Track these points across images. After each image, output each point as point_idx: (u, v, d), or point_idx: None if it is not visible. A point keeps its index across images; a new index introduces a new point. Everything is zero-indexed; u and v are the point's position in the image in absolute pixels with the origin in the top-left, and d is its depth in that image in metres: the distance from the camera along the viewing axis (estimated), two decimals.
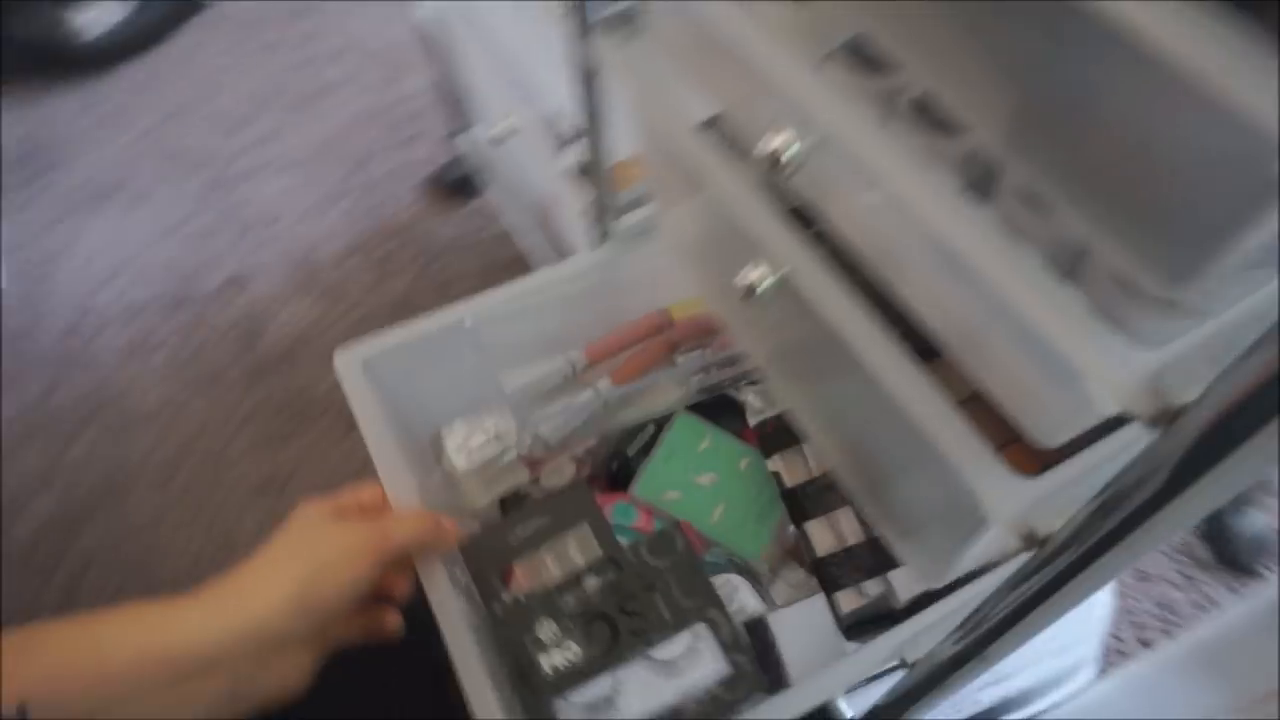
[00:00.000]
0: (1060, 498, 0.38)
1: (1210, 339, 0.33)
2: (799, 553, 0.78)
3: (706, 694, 0.67)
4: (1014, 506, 0.42)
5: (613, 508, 0.81)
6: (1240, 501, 1.16)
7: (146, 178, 1.60)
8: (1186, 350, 0.34)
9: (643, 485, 0.81)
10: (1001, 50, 0.37)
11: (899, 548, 0.63)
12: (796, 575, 0.78)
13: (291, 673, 0.55)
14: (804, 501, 0.75)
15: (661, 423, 0.83)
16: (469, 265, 1.49)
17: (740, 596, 0.74)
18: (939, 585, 0.62)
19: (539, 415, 0.78)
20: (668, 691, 0.68)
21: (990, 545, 0.55)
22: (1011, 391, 0.45)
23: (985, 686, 0.93)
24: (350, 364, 0.76)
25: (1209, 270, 0.32)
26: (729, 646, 0.69)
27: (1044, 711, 0.94)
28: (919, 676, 0.57)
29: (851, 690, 0.85)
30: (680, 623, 0.69)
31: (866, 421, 0.60)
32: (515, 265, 1.43)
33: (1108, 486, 0.32)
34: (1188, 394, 0.29)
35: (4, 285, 1.46)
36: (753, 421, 0.79)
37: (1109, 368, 0.34)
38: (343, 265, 1.48)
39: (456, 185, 1.54)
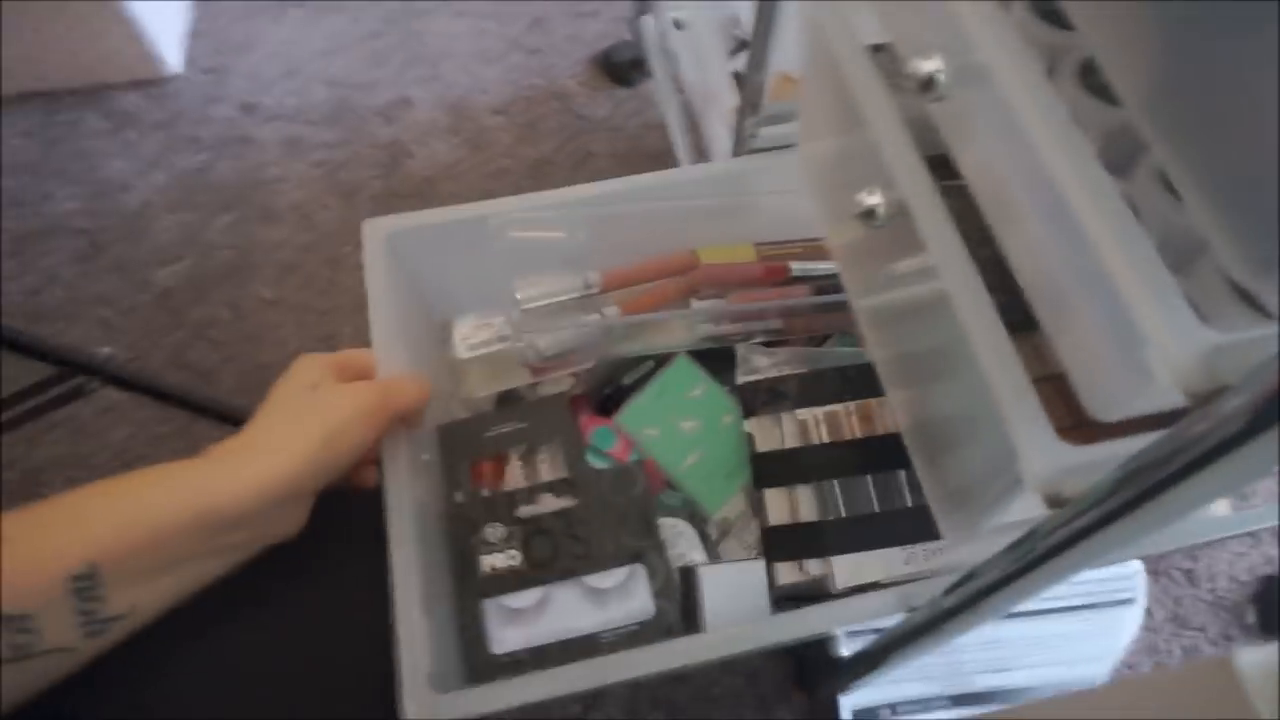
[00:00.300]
0: (1096, 474, 0.39)
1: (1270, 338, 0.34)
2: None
3: (625, 629, 0.71)
4: (1049, 466, 0.44)
5: (595, 430, 0.83)
6: None
7: None
8: (1247, 342, 0.35)
9: (627, 415, 0.83)
10: (1163, 20, 0.37)
11: (936, 504, 0.64)
12: (750, 538, 0.79)
13: (296, 519, 0.59)
14: (769, 469, 0.76)
15: (662, 361, 0.85)
16: (614, 147, 1.50)
17: (683, 543, 0.77)
18: (961, 543, 0.63)
19: (541, 326, 0.79)
20: (592, 618, 0.72)
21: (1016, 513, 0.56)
22: (1081, 358, 0.46)
23: (983, 672, 0.94)
24: (376, 234, 0.79)
25: None
26: (659, 592, 0.72)
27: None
28: (915, 621, 0.60)
29: (853, 635, 0.88)
30: (620, 558, 0.73)
31: (938, 371, 0.61)
32: (659, 158, 1.45)
33: (1137, 457, 0.33)
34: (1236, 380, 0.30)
35: (183, 69, 1.53)
36: (741, 380, 0.79)
37: (1173, 338, 0.35)
38: (494, 117, 1.51)
39: (624, 67, 1.55)
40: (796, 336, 0.85)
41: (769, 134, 0.84)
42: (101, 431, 1.20)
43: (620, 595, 0.72)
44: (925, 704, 0.94)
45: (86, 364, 0.91)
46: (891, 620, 0.65)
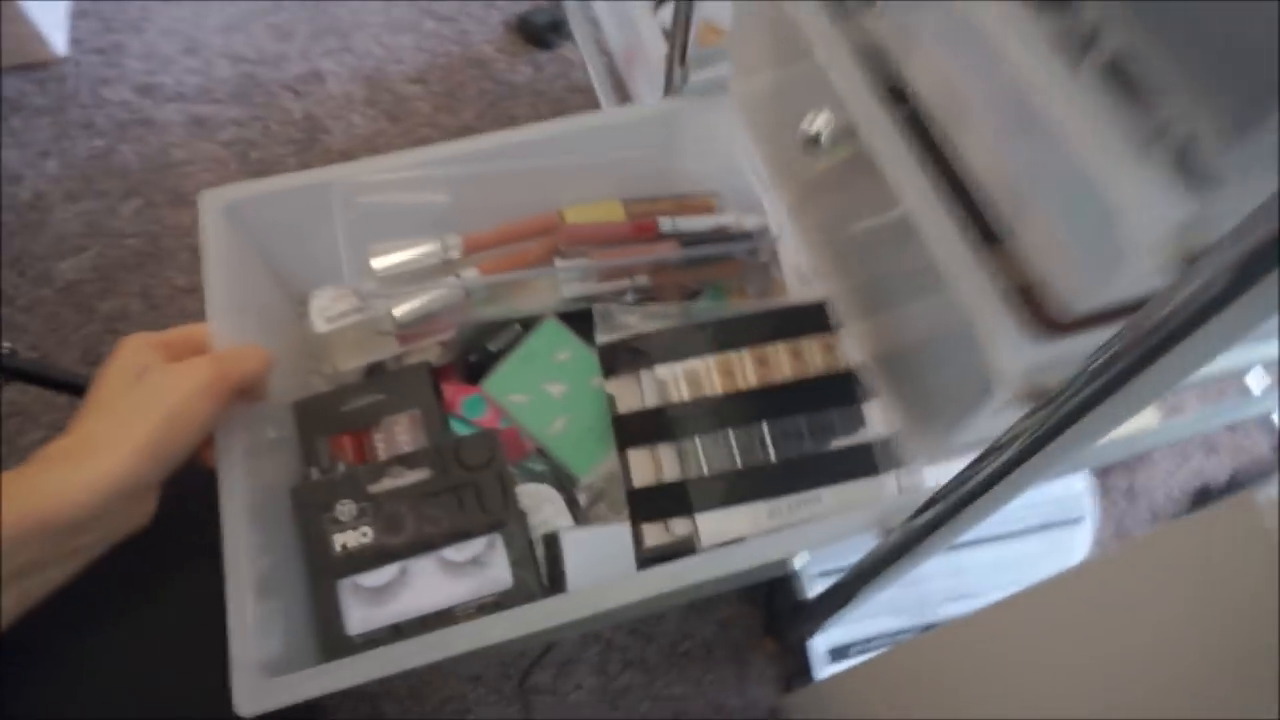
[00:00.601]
0: (1067, 368, 0.39)
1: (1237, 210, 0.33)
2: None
3: (484, 601, 0.69)
4: (1020, 361, 0.46)
5: (464, 400, 0.80)
6: None
7: None
8: (1217, 212, 0.37)
9: (493, 382, 0.80)
10: None
11: (907, 430, 0.65)
12: (619, 501, 0.77)
13: (144, 511, 0.57)
14: (631, 430, 0.74)
15: (529, 324, 0.82)
16: (538, 111, 1.47)
17: (546, 509, 0.75)
18: (932, 463, 0.65)
19: (396, 293, 0.76)
20: (449, 591, 0.69)
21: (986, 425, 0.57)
22: (1047, 254, 0.47)
23: (950, 600, 0.97)
24: (213, 205, 0.76)
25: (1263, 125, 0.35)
26: (517, 562, 0.70)
27: None
28: (893, 541, 0.59)
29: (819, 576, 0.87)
30: (476, 529, 0.70)
31: (900, 295, 0.62)
32: None
33: (1116, 337, 0.34)
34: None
35: (68, 50, 1.47)
36: (601, 340, 0.76)
37: (1144, 207, 0.38)
38: (411, 86, 1.47)
39: (542, 30, 1.51)
40: (667, 294, 0.82)
41: (696, 81, 0.82)
42: (10, 437, 1.16)
43: (477, 567, 0.70)
44: (896, 637, 0.96)
45: None
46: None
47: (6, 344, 0.91)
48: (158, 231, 1.31)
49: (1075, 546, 1.01)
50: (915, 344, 0.61)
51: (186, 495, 0.62)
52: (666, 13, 1.01)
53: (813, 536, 0.65)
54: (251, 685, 0.58)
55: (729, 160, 0.82)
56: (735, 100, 0.80)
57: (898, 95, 0.54)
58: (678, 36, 0.78)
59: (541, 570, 0.71)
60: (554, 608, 0.62)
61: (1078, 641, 0.48)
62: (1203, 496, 1.16)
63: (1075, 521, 1.02)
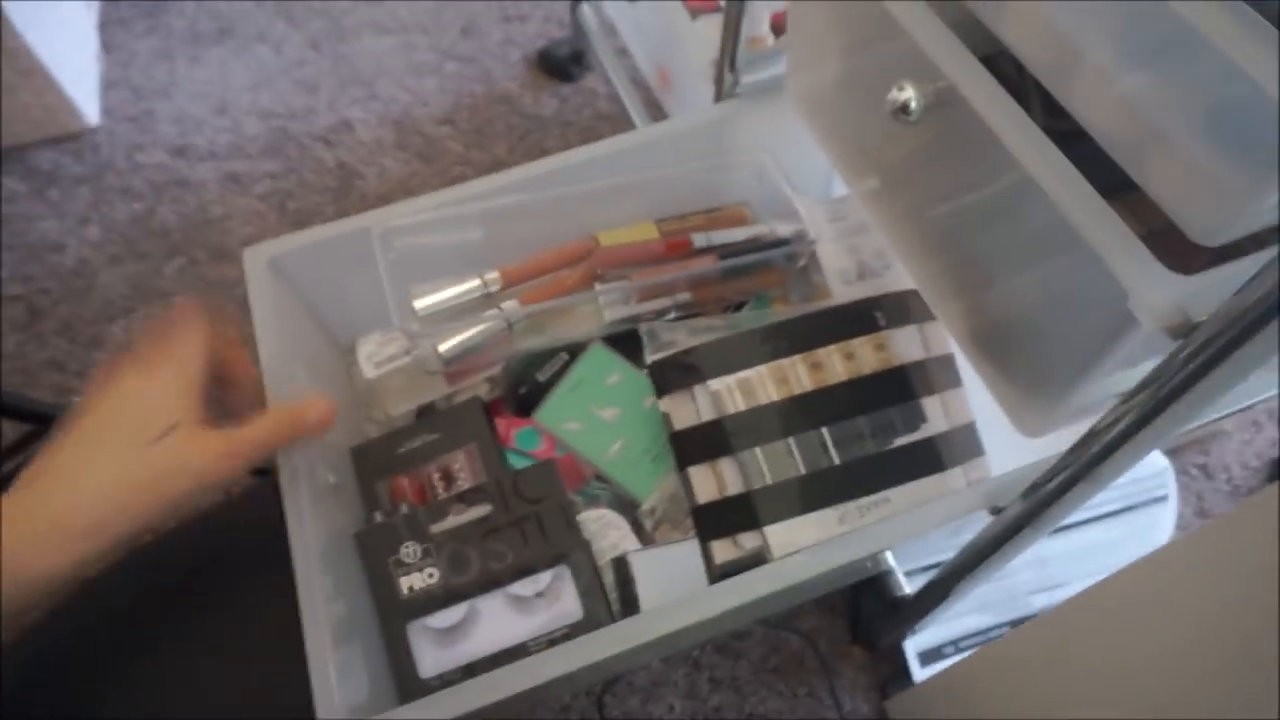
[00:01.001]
0: (1214, 299, 0.39)
1: None
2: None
3: (555, 634, 0.68)
4: (1167, 295, 0.43)
5: (518, 432, 0.80)
6: None
7: (253, 25, 1.63)
8: None
9: (545, 412, 0.79)
10: None
11: (1009, 405, 0.63)
12: (686, 520, 0.76)
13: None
14: (689, 447, 0.72)
15: (576, 351, 0.81)
16: (567, 141, 1.48)
17: (612, 534, 0.73)
18: (1039, 435, 0.61)
19: (439, 330, 0.76)
20: (520, 627, 0.68)
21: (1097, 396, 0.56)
22: (1179, 190, 0.45)
23: (1038, 592, 0.96)
24: (257, 261, 0.76)
25: None
26: (586, 592, 0.69)
27: None
28: (1014, 513, 0.56)
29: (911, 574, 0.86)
30: (542, 562, 0.70)
31: (1008, 257, 0.60)
32: None
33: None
34: None
35: (99, 120, 1.51)
36: (650, 359, 0.75)
37: None
38: (441, 127, 1.48)
39: (564, 62, 1.52)
40: (710, 308, 0.82)
41: (745, 84, 0.84)
42: None
43: (546, 600, 0.69)
44: (986, 634, 0.94)
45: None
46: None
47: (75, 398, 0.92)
48: (203, 288, 1.33)
49: (1160, 527, 0.98)
50: (1025, 312, 0.59)
51: (251, 523, 0.62)
52: (701, 24, 1.03)
53: (907, 526, 0.63)
54: None
55: (767, 167, 0.82)
56: (794, 97, 0.79)
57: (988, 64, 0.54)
58: (728, 41, 0.79)
59: (611, 597, 0.70)
60: (631, 630, 0.60)
61: (1174, 622, 0.46)
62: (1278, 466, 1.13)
63: (1159, 501, 0.99)
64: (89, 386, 0.52)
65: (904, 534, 0.62)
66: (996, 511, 0.61)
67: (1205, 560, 0.45)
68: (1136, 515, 0.98)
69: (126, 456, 0.49)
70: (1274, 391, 0.65)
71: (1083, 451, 0.48)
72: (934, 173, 0.63)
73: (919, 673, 0.92)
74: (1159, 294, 0.43)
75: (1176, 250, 0.45)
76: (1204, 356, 0.38)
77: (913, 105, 0.56)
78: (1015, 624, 0.93)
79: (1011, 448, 0.65)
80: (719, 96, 0.84)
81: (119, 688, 0.57)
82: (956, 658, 0.91)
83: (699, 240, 0.80)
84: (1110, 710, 0.53)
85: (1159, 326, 0.43)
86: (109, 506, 0.47)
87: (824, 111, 0.75)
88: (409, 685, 0.67)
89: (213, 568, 0.65)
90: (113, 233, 1.38)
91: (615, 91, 1.34)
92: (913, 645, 0.93)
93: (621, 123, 1.40)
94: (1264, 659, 0.39)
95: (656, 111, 1.29)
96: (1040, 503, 0.53)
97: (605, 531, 0.73)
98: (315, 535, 0.64)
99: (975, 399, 0.72)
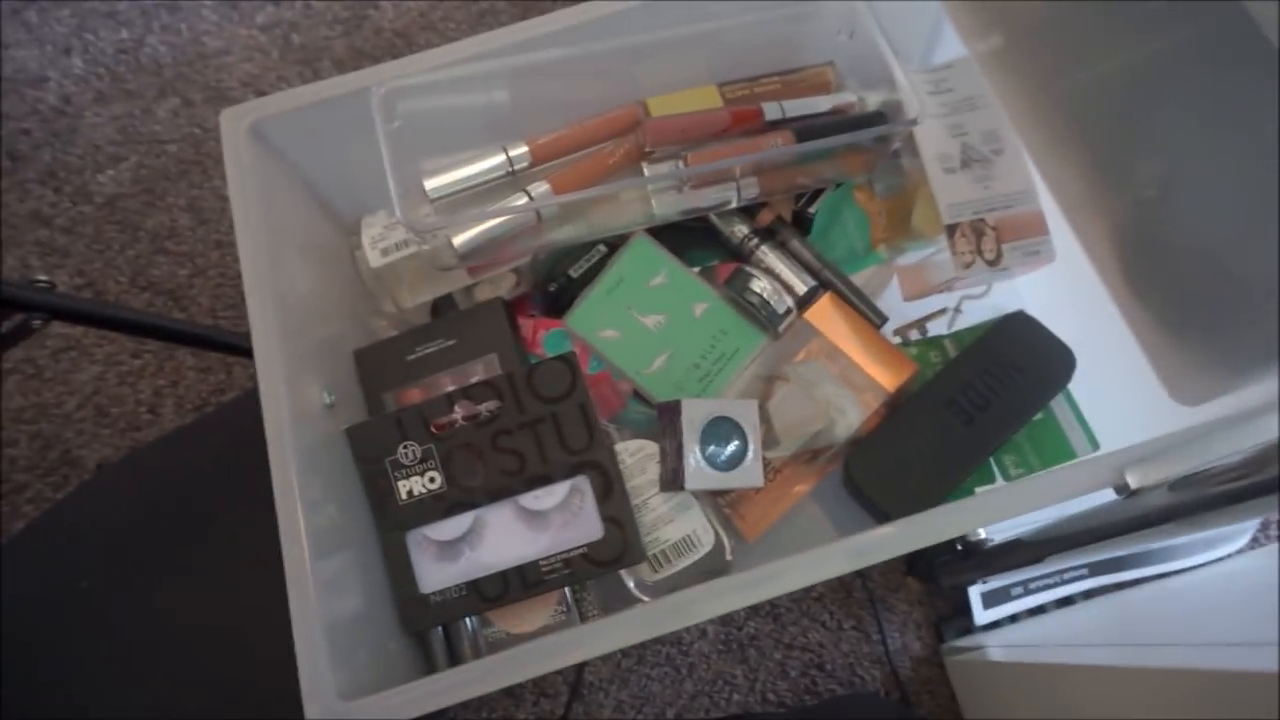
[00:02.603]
0: None
1: None
2: None
3: (571, 554, 0.60)
4: None
5: (546, 335, 0.69)
6: None
7: None
8: None
9: (578, 317, 0.68)
10: None
11: (1159, 354, 0.51)
12: None
13: None
14: None
15: (616, 244, 0.69)
16: None
17: (653, 469, 0.63)
18: (1197, 404, 0.49)
19: (454, 221, 0.64)
20: (531, 544, 0.60)
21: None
22: None
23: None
24: (236, 125, 0.63)
25: None
26: (607, 508, 0.60)
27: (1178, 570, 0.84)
28: (1158, 504, 0.45)
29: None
30: (560, 471, 0.60)
31: (1190, 138, 0.45)
32: None
33: None
34: None
35: None
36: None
37: None
38: None
39: None
40: (779, 197, 0.68)
41: None
42: (64, 374, 1.09)
43: (562, 514, 0.61)
44: (1061, 575, 0.85)
45: (23, 298, 0.79)
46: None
47: (44, 277, 0.81)
48: (199, 136, 1.20)
49: None
50: (1207, 240, 0.46)
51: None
52: None
53: (1022, 497, 0.50)
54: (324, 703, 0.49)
55: (862, 16, 0.66)
56: None
57: None
58: None
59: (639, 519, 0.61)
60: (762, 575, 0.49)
61: None
62: None
63: None
64: None
65: (1018, 508, 0.51)
66: (1127, 493, 0.48)
67: None
68: None
69: None
70: None
71: None
72: (1089, 22, 0.48)
73: (981, 615, 0.82)
74: None
75: None
76: None
77: None
78: (1094, 567, 0.82)
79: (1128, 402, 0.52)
80: None
81: (111, 619, 0.59)
82: (1024, 601, 0.82)
83: (771, 111, 0.66)
84: None
85: None
86: None
87: None
88: (408, 603, 0.60)
89: (203, 490, 0.65)
90: (97, 65, 1.24)
91: None
92: (977, 586, 0.82)
93: None
94: None
95: None
96: (1199, 503, 0.41)
97: (645, 465, 0.63)
98: (294, 440, 0.55)
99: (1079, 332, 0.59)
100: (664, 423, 0.62)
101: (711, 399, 0.64)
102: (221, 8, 1.27)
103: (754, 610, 0.90)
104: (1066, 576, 0.83)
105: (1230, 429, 0.40)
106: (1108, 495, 0.50)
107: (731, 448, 0.61)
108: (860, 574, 0.89)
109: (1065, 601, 0.83)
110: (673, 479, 0.60)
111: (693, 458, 0.60)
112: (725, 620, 0.89)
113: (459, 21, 1.26)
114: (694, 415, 0.60)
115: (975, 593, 0.82)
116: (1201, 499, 0.41)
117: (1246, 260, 0.43)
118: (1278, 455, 0.36)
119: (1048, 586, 0.82)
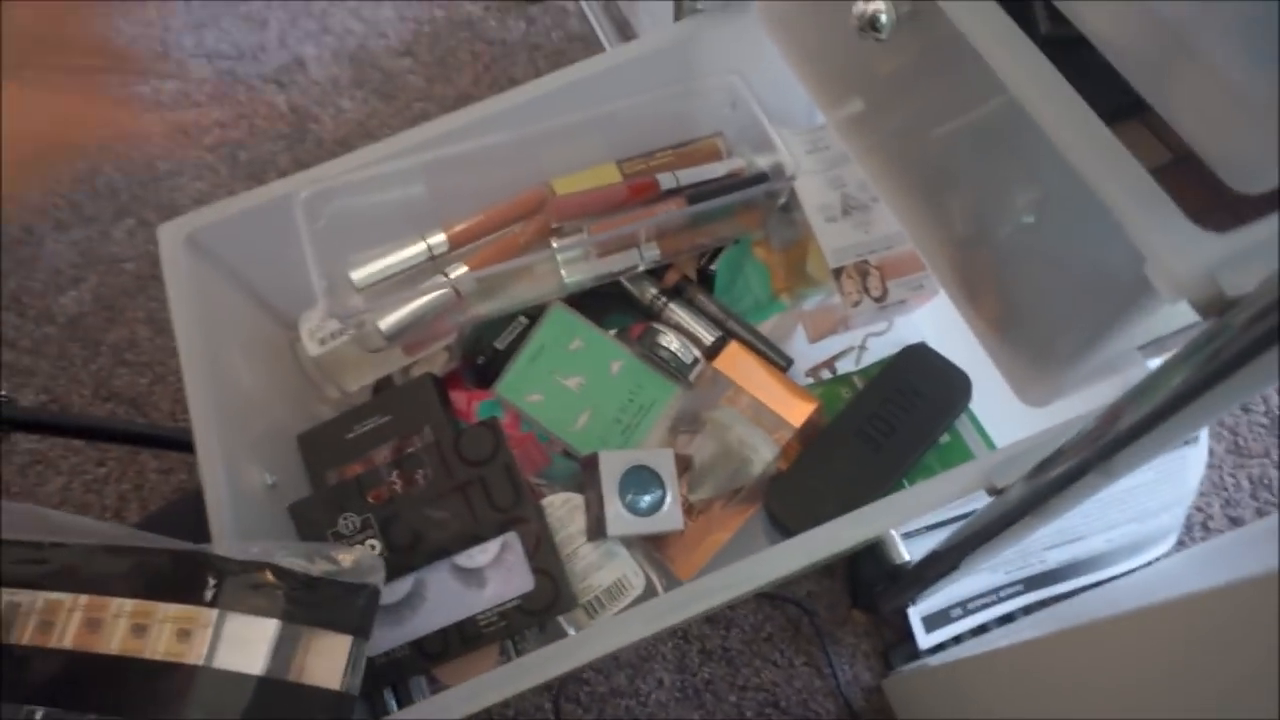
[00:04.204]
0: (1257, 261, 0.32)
1: None
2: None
3: (507, 607, 0.63)
4: (1195, 261, 0.35)
5: (478, 405, 0.73)
6: None
7: None
8: None
9: (506, 385, 0.73)
10: None
11: (1003, 363, 0.56)
12: None
13: None
14: None
15: (535, 315, 0.74)
16: (536, 67, 1.37)
17: (580, 519, 0.67)
18: (1041, 405, 0.54)
19: (382, 305, 0.69)
20: (470, 601, 0.63)
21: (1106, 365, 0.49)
22: (1209, 119, 0.37)
23: (1054, 546, 0.87)
24: (173, 239, 0.69)
25: None
26: (537, 560, 0.63)
27: (1111, 578, 0.87)
28: (1016, 496, 0.49)
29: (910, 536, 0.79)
30: (489, 529, 0.64)
31: (1001, 200, 0.51)
32: None
33: None
34: None
35: None
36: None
37: None
38: (400, 60, 1.38)
39: None
40: (682, 259, 0.74)
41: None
42: (32, 487, 1.12)
43: (495, 570, 0.64)
44: (997, 593, 0.87)
45: None
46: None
47: (3, 391, 0.85)
48: (155, 252, 1.24)
49: (1191, 470, 0.89)
50: (1024, 265, 0.51)
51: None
52: None
53: (909, 505, 0.56)
54: None
55: (738, 90, 0.73)
56: (760, 11, 0.71)
57: None
58: None
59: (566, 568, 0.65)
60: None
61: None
62: None
63: (1188, 443, 0.89)
64: None
65: (903, 514, 0.55)
66: (995, 492, 0.53)
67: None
68: (1165, 458, 0.88)
69: None
70: None
71: (1096, 438, 0.40)
72: (916, 96, 0.54)
73: (924, 638, 0.85)
74: (1183, 258, 0.35)
75: (1205, 199, 0.37)
76: (1243, 342, 0.30)
77: (883, 19, 0.47)
78: (1029, 582, 0.86)
79: (1016, 414, 0.58)
80: (679, 14, 0.75)
81: None
82: (965, 621, 0.85)
83: (666, 181, 0.72)
84: None
85: (1182, 299, 0.35)
86: None
87: (793, 26, 0.66)
88: None
89: None
90: (55, 195, 1.30)
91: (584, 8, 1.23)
92: (917, 610, 0.86)
93: (594, 44, 1.30)
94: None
95: (630, 33, 1.19)
96: (1046, 488, 0.46)
97: (573, 516, 0.67)
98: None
99: (975, 359, 0.64)
100: (586, 475, 0.66)
101: (628, 450, 0.68)
102: (173, 134, 1.34)
103: (707, 655, 0.92)
104: (1003, 595, 0.86)
105: (1074, 425, 0.45)
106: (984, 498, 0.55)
107: (650, 495, 0.65)
108: (806, 611, 0.92)
109: (1007, 619, 0.87)
110: (597, 527, 0.64)
111: (613, 506, 0.64)
112: (680, 668, 0.92)
113: (395, 128, 1.32)
114: (611, 467, 0.64)
115: (915, 616, 0.85)
116: (1041, 487, 0.46)
117: (1045, 275, 0.49)
118: (1090, 439, 0.41)
119: (985, 606, 0.85)
